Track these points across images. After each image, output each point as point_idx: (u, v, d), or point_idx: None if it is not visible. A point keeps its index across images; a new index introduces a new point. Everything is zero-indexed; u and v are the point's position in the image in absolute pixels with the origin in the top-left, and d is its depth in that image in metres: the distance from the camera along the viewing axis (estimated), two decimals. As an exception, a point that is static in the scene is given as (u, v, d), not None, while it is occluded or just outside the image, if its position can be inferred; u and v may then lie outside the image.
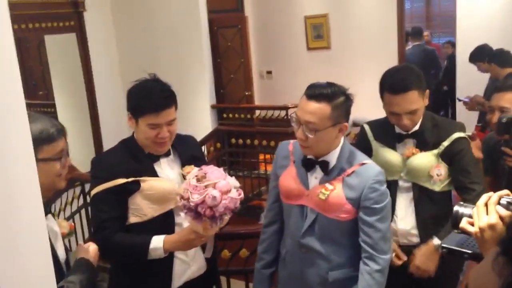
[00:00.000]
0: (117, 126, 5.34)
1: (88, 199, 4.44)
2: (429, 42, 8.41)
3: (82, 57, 5.86)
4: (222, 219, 1.74)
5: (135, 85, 1.93)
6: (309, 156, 1.89)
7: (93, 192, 1.89)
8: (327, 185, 1.83)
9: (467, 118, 5.12)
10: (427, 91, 2.10)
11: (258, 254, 2.09)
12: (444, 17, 9.63)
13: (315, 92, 1.79)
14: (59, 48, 6.54)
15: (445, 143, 2.09)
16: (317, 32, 6.49)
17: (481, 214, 1.14)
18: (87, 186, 4.47)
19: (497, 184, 2.16)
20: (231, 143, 5.75)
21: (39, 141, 1.48)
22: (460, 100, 4.84)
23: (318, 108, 1.77)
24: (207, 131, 5.86)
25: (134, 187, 1.88)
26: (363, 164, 1.85)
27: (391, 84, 2.04)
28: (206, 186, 1.70)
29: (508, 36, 5.05)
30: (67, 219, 3.94)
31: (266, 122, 6.16)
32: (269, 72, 6.90)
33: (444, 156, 2.09)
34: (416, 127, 2.12)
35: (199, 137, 5.73)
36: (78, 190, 4.56)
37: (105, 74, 6.01)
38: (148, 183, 1.89)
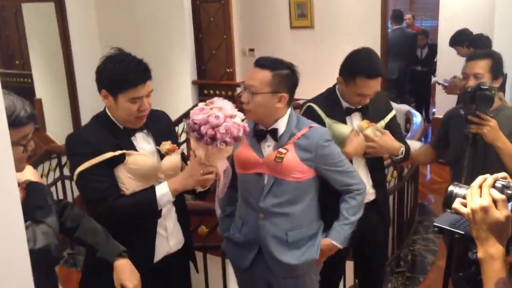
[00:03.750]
0: (95, 99, 5.22)
1: (65, 172, 4.40)
2: (411, 26, 8.44)
3: (60, 27, 5.71)
4: (223, 142, 1.73)
5: (105, 61, 1.86)
6: (259, 127, 2.04)
7: (80, 169, 1.83)
8: (281, 149, 1.98)
9: (446, 101, 5.19)
10: None
11: (221, 207, 2.21)
12: (428, 1, 9.65)
13: (261, 61, 1.99)
14: (36, 17, 6.37)
15: (388, 117, 2.40)
16: (301, 11, 6.43)
17: (474, 195, 1.14)
18: (63, 159, 4.42)
19: (449, 154, 2.45)
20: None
21: (31, 117, 1.45)
22: (439, 84, 4.89)
23: (260, 74, 1.95)
24: (187, 107, 5.82)
25: (118, 160, 1.86)
26: (311, 127, 2.03)
27: (368, 70, 2.20)
28: (212, 109, 1.74)
29: (488, 22, 5.08)
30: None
31: (247, 100, 6.13)
32: (251, 50, 6.84)
33: (385, 127, 2.37)
34: None
35: (179, 112, 5.70)
36: (54, 162, 4.51)
37: (84, 46, 5.88)
38: (133, 157, 1.88)
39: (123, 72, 1.82)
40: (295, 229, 2.05)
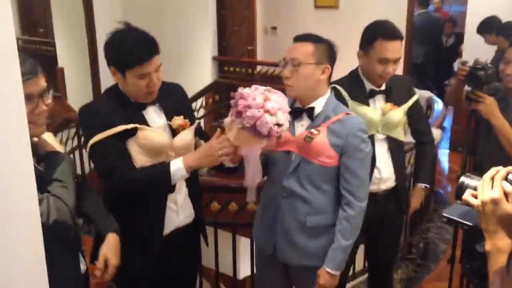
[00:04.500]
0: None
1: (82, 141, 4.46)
2: (439, 9, 8.22)
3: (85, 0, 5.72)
4: (243, 122, 1.70)
5: (112, 37, 1.84)
6: (296, 105, 2.01)
7: (93, 141, 1.84)
8: (313, 130, 1.95)
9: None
10: None
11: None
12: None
13: (301, 35, 1.99)
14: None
15: (411, 101, 2.38)
16: (326, -10, 6.32)
17: (486, 187, 1.12)
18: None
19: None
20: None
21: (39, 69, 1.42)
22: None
23: (302, 46, 1.95)
24: (206, 82, 5.81)
25: (129, 133, 1.86)
26: (348, 114, 1.99)
27: (386, 31, 2.22)
28: (262, 93, 1.72)
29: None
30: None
31: (267, 79, 6.09)
32: (274, 28, 6.77)
33: (407, 111, 2.37)
34: (384, 85, 2.33)
35: (198, 88, 5.71)
36: (72, 131, 4.56)
37: (107, 19, 5.87)
38: (144, 132, 1.87)
39: (128, 49, 1.80)
40: (315, 215, 2.00)
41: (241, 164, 1.92)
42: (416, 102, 2.42)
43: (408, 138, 2.54)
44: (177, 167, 1.85)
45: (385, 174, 2.34)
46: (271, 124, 1.69)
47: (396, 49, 2.21)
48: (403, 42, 2.31)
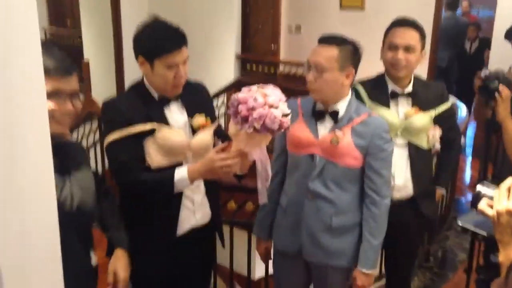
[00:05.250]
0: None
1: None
2: (467, 13, 8.07)
3: (112, -9, 5.78)
4: (252, 127, 1.66)
5: (142, 27, 1.89)
6: (318, 107, 2.01)
7: (109, 139, 1.87)
8: (337, 132, 1.96)
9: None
10: (424, 51, 2.26)
11: (260, 205, 2.16)
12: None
13: (325, 38, 1.97)
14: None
15: (442, 108, 2.30)
16: (352, -9, 6.27)
17: (502, 197, 1.11)
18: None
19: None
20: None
21: (55, 71, 1.40)
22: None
23: (326, 50, 1.93)
24: (229, 80, 5.82)
25: (148, 132, 1.87)
26: (370, 115, 2.01)
27: (400, 20, 2.25)
28: (258, 92, 1.70)
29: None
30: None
31: (289, 78, 6.07)
32: (298, 27, 6.74)
33: (436, 118, 2.29)
34: (410, 88, 2.27)
35: (220, 85, 5.71)
36: (95, 125, 4.62)
37: (133, 13, 5.93)
38: (162, 132, 1.88)
39: (159, 38, 1.84)
40: (340, 215, 2.02)
41: (251, 167, 1.91)
42: (449, 109, 2.36)
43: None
44: (182, 177, 1.84)
45: (398, 182, 2.27)
46: (279, 117, 1.68)
47: (405, 35, 2.19)
48: (428, 45, 2.29)
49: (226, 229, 2.48)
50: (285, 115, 1.71)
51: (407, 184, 2.29)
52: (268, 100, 1.67)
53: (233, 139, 1.77)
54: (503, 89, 2.17)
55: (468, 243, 3.86)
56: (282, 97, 1.74)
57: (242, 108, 1.67)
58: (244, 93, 1.70)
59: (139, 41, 1.89)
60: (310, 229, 2.05)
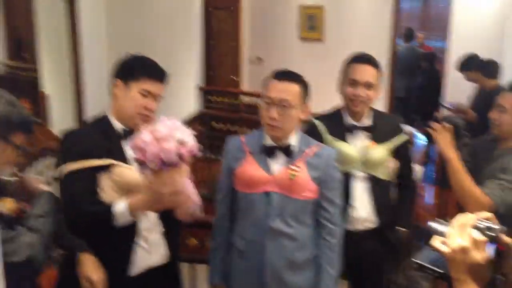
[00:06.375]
0: (99, 98, 5.22)
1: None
2: (422, 45, 8.39)
3: (70, 23, 5.71)
4: (151, 166, 1.57)
5: (128, 56, 1.93)
6: (269, 143, 1.98)
7: (67, 169, 1.81)
8: (293, 166, 1.94)
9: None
10: (380, 85, 2.32)
11: (212, 249, 2.12)
12: (440, 21, 9.61)
13: (285, 74, 1.96)
14: (47, 11, 6.37)
15: (397, 141, 2.33)
16: (311, 23, 6.42)
17: (455, 235, 1.09)
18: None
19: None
20: (214, 127, 5.69)
21: (21, 125, 1.49)
22: (444, 107, 4.85)
23: (291, 87, 1.92)
24: (191, 112, 5.79)
25: (104, 167, 1.83)
26: (320, 146, 2.03)
27: (358, 56, 2.30)
28: (146, 131, 1.60)
29: (497, 47, 5.05)
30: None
31: (252, 109, 6.09)
32: (259, 59, 6.83)
33: (393, 150, 2.33)
34: (369, 121, 2.31)
35: (183, 117, 5.67)
36: (52, 160, 4.48)
37: (92, 43, 5.87)
38: (119, 169, 1.84)
39: (143, 64, 1.90)
40: (301, 250, 1.99)
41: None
42: (403, 144, 2.38)
43: None
44: (122, 209, 1.73)
45: (362, 214, 2.28)
46: (174, 147, 1.57)
47: (365, 72, 2.23)
48: (386, 75, 2.35)
49: (187, 266, 2.41)
50: (181, 143, 1.59)
51: (370, 216, 2.29)
52: (157, 135, 1.57)
53: (148, 187, 1.66)
54: (434, 125, 2.16)
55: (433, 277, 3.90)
56: (175, 125, 1.63)
57: (136, 153, 1.59)
58: (139, 137, 1.61)
59: (122, 64, 1.92)
60: (274, 268, 1.98)
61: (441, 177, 5.74)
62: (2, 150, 1.47)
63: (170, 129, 1.60)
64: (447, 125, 2.15)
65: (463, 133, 2.25)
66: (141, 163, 1.60)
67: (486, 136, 2.34)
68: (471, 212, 1.81)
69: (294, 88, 1.92)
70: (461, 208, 2.13)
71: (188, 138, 1.63)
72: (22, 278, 1.35)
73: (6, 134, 1.46)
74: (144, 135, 1.59)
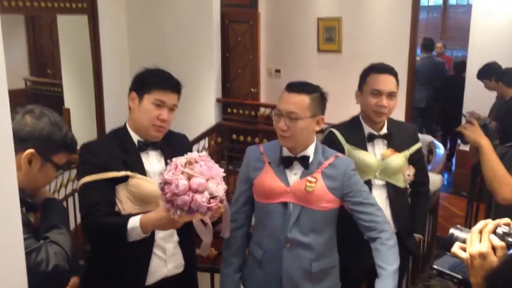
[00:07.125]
0: (120, 112, 5.31)
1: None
2: (442, 55, 8.33)
3: (92, 40, 5.84)
4: (180, 210, 1.57)
5: (144, 69, 1.98)
6: (286, 154, 1.99)
7: (84, 180, 1.86)
8: (310, 178, 1.94)
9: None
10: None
11: (226, 258, 2.11)
12: (459, 30, 9.56)
13: (295, 85, 1.97)
14: (70, 28, 6.54)
15: (413, 148, 2.37)
16: (329, 35, 6.45)
17: (474, 240, 1.11)
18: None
19: None
20: (233, 138, 5.73)
21: (63, 145, 1.51)
22: (465, 116, 4.81)
23: (299, 99, 1.92)
24: (210, 124, 5.85)
25: (122, 178, 1.87)
26: (337, 156, 2.02)
27: (377, 66, 2.31)
28: (183, 172, 1.58)
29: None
30: (61, 201, 3.93)
31: (270, 121, 6.11)
32: (277, 71, 6.87)
33: (409, 158, 2.35)
34: (385, 129, 2.34)
35: (201, 129, 5.74)
36: (74, 172, 4.56)
37: (113, 59, 6.00)
38: (135, 180, 1.87)
39: (155, 75, 1.94)
40: (319, 260, 1.99)
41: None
42: (418, 151, 2.41)
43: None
44: (134, 225, 1.74)
45: None
46: (205, 201, 1.56)
47: (387, 82, 2.25)
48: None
49: (206, 276, 2.43)
50: (213, 197, 1.58)
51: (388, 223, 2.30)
52: (192, 185, 1.56)
53: (164, 211, 1.64)
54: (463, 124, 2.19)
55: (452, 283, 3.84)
56: (213, 172, 1.61)
57: (167, 190, 1.57)
58: (170, 172, 1.59)
59: (137, 77, 1.96)
60: (292, 278, 1.98)
61: (458, 186, 5.68)
62: (44, 170, 1.50)
63: (206, 178, 1.58)
64: (474, 120, 2.18)
65: (493, 132, 2.27)
66: (168, 201, 1.59)
67: (507, 145, 2.33)
68: (502, 196, 1.80)
69: (302, 100, 1.92)
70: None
71: (219, 189, 1.61)
72: (47, 285, 1.37)
73: (48, 154, 1.49)
74: (180, 181, 1.55)
